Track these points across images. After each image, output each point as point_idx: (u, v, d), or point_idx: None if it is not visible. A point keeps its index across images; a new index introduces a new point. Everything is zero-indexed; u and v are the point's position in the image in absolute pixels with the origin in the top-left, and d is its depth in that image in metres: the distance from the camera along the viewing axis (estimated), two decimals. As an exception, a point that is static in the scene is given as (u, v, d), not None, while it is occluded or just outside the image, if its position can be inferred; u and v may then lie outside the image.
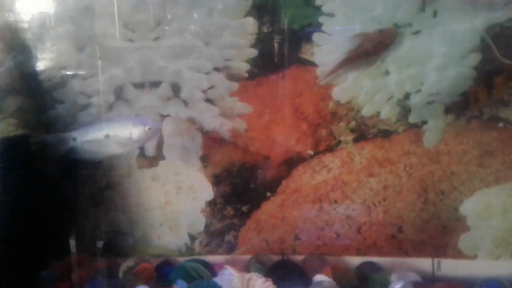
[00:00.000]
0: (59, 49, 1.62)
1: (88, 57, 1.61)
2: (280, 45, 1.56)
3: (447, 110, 1.53)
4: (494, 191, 1.55)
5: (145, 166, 1.69)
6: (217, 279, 1.48)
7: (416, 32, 1.50)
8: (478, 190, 1.56)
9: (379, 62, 1.52)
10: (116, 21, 1.58)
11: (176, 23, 1.58)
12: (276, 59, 1.57)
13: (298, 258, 1.66)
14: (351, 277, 1.49)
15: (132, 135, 1.46)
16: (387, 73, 1.54)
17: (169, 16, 1.58)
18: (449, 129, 1.54)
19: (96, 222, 1.68)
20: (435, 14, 1.48)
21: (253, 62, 1.58)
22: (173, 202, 1.71)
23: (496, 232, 1.57)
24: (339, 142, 1.61)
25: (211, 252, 1.71)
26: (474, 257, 1.59)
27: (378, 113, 1.57)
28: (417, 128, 1.56)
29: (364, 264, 1.58)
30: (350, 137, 1.60)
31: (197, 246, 1.71)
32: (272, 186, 1.66)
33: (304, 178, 1.64)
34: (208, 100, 1.63)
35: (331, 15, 1.52)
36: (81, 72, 1.63)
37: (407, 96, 1.54)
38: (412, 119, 1.55)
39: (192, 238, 1.71)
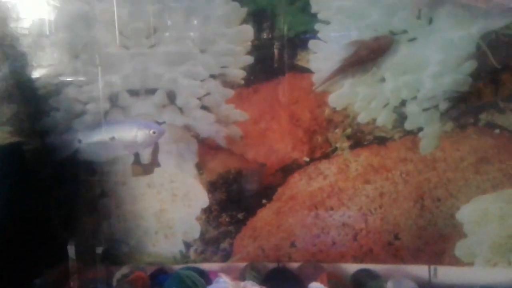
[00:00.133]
0: (55, 56, 1.62)
1: (83, 64, 1.61)
2: (276, 52, 1.56)
3: (443, 116, 1.53)
4: (491, 198, 1.55)
5: (141, 174, 1.69)
6: (212, 287, 1.47)
7: (412, 39, 1.50)
8: (474, 197, 1.55)
9: (375, 69, 1.53)
10: (112, 28, 1.58)
11: (172, 30, 1.58)
12: (272, 66, 1.57)
13: (294, 265, 1.65)
14: (347, 284, 1.49)
15: (136, 138, 1.48)
16: (383, 80, 1.54)
17: (165, 23, 1.58)
18: (446, 136, 1.55)
19: (91, 229, 1.67)
20: (430, 21, 1.48)
21: (249, 69, 1.58)
22: (168, 210, 1.70)
23: (493, 239, 1.56)
24: (335, 149, 1.60)
25: (206, 260, 1.69)
26: (471, 264, 1.59)
27: (374, 120, 1.56)
28: (413, 135, 1.56)
29: (360, 271, 1.57)
30: (346, 144, 1.59)
31: (192, 253, 1.70)
32: (268, 193, 1.65)
33: (300, 185, 1.63)
34: (204, 107, 1.62)
35: (326, 22, 1.52)
36: (76, 79, 1.63)
37: (403, 103, 1.54)
38: (408, 126, 1.55)
39: (188, 245, 1.70)
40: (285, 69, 1.57)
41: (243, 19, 1.55)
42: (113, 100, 1.63)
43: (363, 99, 1.56)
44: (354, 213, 1.62)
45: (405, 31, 1.49)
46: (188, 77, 1.60)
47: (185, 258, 1.70)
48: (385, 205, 1.60)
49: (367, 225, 1.62)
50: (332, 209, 1.63)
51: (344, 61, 1.52)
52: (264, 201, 1.65)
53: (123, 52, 1.60)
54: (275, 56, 1.56)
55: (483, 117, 1.52)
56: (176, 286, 1.48)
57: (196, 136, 1.64)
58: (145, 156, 1.67)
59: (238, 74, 1.59)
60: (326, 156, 1.61)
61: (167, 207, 1.70)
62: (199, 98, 1.62)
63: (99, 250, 1.65)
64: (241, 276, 1.56)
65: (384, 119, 1.56)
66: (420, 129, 1.55)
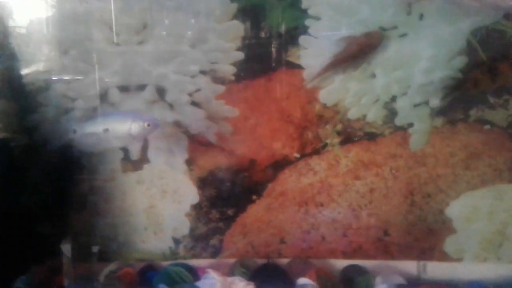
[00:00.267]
0: (43, 53, 1.61)
1: (72, 60, 1.59)
2: (266, 48, 1.55)
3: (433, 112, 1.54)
4: (481, 194, 1.55)
5: (130, 170, 1.68)
6: (200, 283, 1.46)
7: (403, 35, 1.49)
8: (464, 192, 1.56)
9: (366, 65, 1.52)
10: (102, 24, 1.57)
11: (162, 26, 1.57)
12: (262, 62, 1.56)
13: (284, 261, 1.65)
14: (336, 280, 1.48)
15: (131, 131, 1.46)
16: (373, 76, 1.53)
17: (155, 19, 1.57)
18: (436, 132, 1.54)
19: (80, 226, 1.66)
20: (421, 17, 1.48)
21: (239, 65, 1.57)
22: (157, 206, 1.68)
23: (482, 235, 1.57)
24: (326, 144, 1.60)
25: (195, 256, 1.68)
26: (460, 260, 1.59)
27: (365, 116, 1.56)
28: (403, 130, 1.55)
29: (349, 267, 1.57)
30: (336, 140, 1.59)
31: (181, 250, 1.69)
32: (258, 189, 1.64)
33: (290, 181, 1.63)
34: (194, 103, 1.61)
35: (317, 18, 1.52)
36: (65, 76, 1.62)
37: (393, 98, 1.54)
38: (399, 121, 1.55)
39: (177, 242, 1.69)
40: (276, 65, 1.56)
41: (234, 15, 1.54)
42: (103, 96, 1.62)
43: (354, 95, 1.55)
44: (344, 209, 1.61)
45: (395, 27, 1.49)
46: (178, 73, 1.59)
47: (174, 254, 1.69)
48: (375, 201, 1.60)
49: (357, 221, 1.61)
50: (322, 205, 1.62)
51: (334, 57, 1.51)
52: (254, 197, 1.65)
53: (113, 48, 1.59)
54: (265, 52, 1.55)
55: (473, 113, 1.52)
56: (165, 282, 1.47)
57: (186, 132, 1.63)
58: (135, 152, 1.67)
59: (228, 70, 1.58)
60: (316, 152, 1.60)
61: (157, 203, 1.68)
62: (189, 94, 1.61)
63: (95, 249, 1.65)
64: (230, 272, 1.55)
65: (374, 115, 1.55)
66: (411, 125, 1.55)
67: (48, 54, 1.60)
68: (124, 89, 1.61)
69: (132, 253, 1.70)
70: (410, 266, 1.60)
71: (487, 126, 1.52)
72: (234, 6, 1.53)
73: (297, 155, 1.61)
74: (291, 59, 1.55)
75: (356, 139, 1.58)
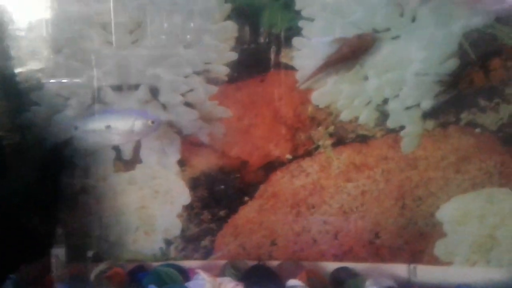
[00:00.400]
0: (36, 51, 1.61)
1: (66, 58, 1.59)
2: (260, 49, 1.56)
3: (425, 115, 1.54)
4: (471, 197, 1.55)
5: (122, 170, 1.68)
6: (190, 284, 1.46)
7: (395, 37, 1.50)
8: (455, 196, 1.56)
9: (358, 67, 1.52)
10: (95, 24, 1.57)
11: (156, 26, 1.57)
12: (256, 63, 1.57)
13: (275, 263, 1.64)
14: (326, 282, 1.48)
15: (134, 127, 1.47)
16: (366, 78, 1.53)
17: (149, 19, 1.57)
18: (427, 135, 1.54)
19: (70, 226, 1.65)
20: (413, 19, 1.48)
21: (233, 65, 1.57)
22: (149, 206, 1.68)
23: (472, 239, 1.57)
24: (318, 146, 1.60)
25: (187, 257, 1.68)
26: (450, 263, 1.59)
27: (357, 118, 1.56)
28: (395, 133, 1.55)
29: (339, 269, 1.57)
30: (328, 142, 1.59)
31: (172, 251, 1.69)
32: (250, 191, 1.64)
33: (282, 182, 1.62)
34: (187, 104, 1.61)
35: (310, 19, 1.52)
36: (59, 74, 1.61)
37: (385, 101, 1.54)
38: (390, 124, 1.55)
39: (168, 242, 1.69)
40: (269, 66, 1.56)
41: (227, 15, 1.54)
42: (96, 95, 1.61)
43: (346, 97, 1.55)
44: (336, 211, 1.61)
45: (388, 29, 1.49)
46: (172, 73, 1.59)
47: (165, 255, 1.69)
48: (367, 203, 1.60)
49: (348, 224, 1.61)
50: (313, 207, 1.62)
51: (327, 58, 1.51)
52: (246, 198, 1.65)
53: (107, 47, 1.59)
54: (259, 53, 1.56)
55: (465, 116, 1.52)
56: (155, 283, 1.47)
57: (179, 133, 1.63)
58: (127, 152, 1.66)
59: (222, 70, 1.58)
60: (308, 153, 1.60)
61: (148, 203, 1.68)
62: (183, 94, 1.61)
63: (90, 253, 1.65)
64: (221, 274, 1.55)
65: (366, 117, 1.55)
66: (402, 128, 1.55)
67: (42, 53, 1.60)
68: (117, 88, 1.61)
69: (123, 254, 1.70)
70: (400, 269, 1.60)
71: (478, 130, 1.53)
72: (228, 7, 1.53)
73: (289, 156, 1.61)
74: (284, 60, 1.56)
75: (348, 141, 1.58)
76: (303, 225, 1.63)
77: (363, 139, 1.57)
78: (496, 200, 1.54)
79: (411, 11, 1.47)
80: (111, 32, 1.57)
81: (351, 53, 1.50)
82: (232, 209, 1.66)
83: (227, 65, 1.57)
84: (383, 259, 1.61)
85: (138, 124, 1.47)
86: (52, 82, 1.61)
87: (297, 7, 1.51)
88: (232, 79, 1.58)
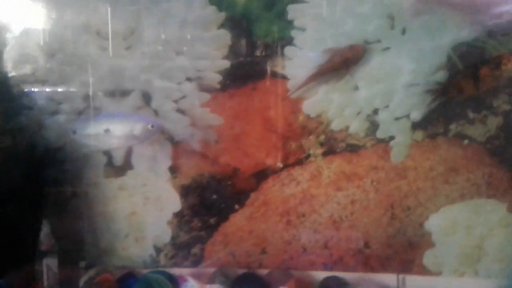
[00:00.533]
0: (30, 56, 1.61)
1: (59, 63, 1.60)
2: (252, 58, 1.57)
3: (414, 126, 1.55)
4: (459, 208, 1.56)
5: (113, 176, 1.67)
6: (178, 291, 1.46)
7: (386, 49, 1.52)
8: (443, 206, 1.57)
9: (349, 77, 1.54)
10: (89, 29, 1.58)
11: (149, 32, 1.58)
12: (248, 72, 1.58)
13: (264, 272, 1.63)
14: (315, 291, 1.48)
15: (133, 131, 1.47)
16: (356, 88, 1.55)
17: (143, 25, 1.58)
18: (416, 145, 1.56)
19: (60, 231, 1.64)
20: (404, 31, 1.50)
21: (225, 73, 1.58)
22: (139, 213, 1.68)
23: (460, 249, 1.57)
24: (309, 155, 1.60)
25: (176, 265, 1.68)
26: (439, 273, 1.60)
27: (347, 128, 1.57)
28: (384, 143, 1.57)
29: (328, 278, 1.56)
30: (319, 151, 1.60)
31: (162, 258, 1.68)
32: (241, 199, 1.64)
33: (273, 191, 1.63)
34: (179, 110, 1.62)
35: (302, 29, 1.54)
36: (51, 79, 1.62)
37: (375, 111, 1.55)
38: (380, 134, 1.56)
39: (158, 250, 1.68)
40: (261, 75, 1.58)
41: (221, 24, 1.56)
42: (88, 100, 1.62)
43: (337, 106, 1.56)
44: (326, 220, 1.62)
45: (379, 41, 1.51)
46: (164, 79, 1.60)
47: (155, 262, 1.69)
48: (356, 212, 1.60)
49: (338, 233, 1.62)
50: (304, 215, 1.62)
51: (318, 67, 1.52)
52: (236, 206, 1.65)
53: (100, 53, 1.59)
54: (251, 61, 1.57)
55: (453, 127, 1.53)
56: (143, 289, 1.47)
57: (170, 139, 1.64)
58: (118, 158, 1.66)
59: (214, 78, 1.59)
60: (299, 162, 1.61)
61: (139, 210, 1.68)
62: (175, 101, 1.61)
63: (82, 264, 1.64)
64: (210, 281, 1.55)
65: (357, 127, 1.57)
66: (392, 138, 1.56)
67: (35, 57, 1.61)
68: (110, 94, 1.62)
69: (112, 260, 1.69)
70: (389, 279, 1.59)
71: (466, 141, 1.54)
72: (222, 16, 1.55)
73: (280, 165, 1.62)
74: (276, 69, 1.57)
75: (338, 150, 1.59)
76: (293, 234, 1.64)
77: (353, 149, 1.58)
78: (484, 211, 1.55)
79: (401, 24, 1.50)
80: (104, 38, 1.58)
81: (342, 63, 1.52)
82: (223, 217, 1.65)
83: (220, 73, 1.58)
84: (372, 269, 1.61)
85: (137, 128, 1.47)
86: (44, 87, 1.61)
87: (290, 17, 1.53)
88: (225, 87, 1.59)
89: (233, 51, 1.57)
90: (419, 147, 1.55)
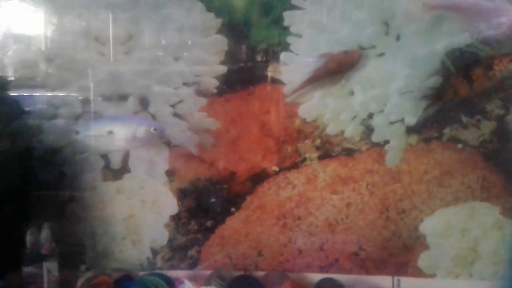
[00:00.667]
0: (28, 60, 1.63)
1: (57, 68, 1.61)
2: (249, 63, 1.59)
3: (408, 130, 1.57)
4: (454, 211, 1.58)
5: (110, 179, 1.69)
6: (175, 293, 1.46)
7: (380, 55, 1.54)
8: (438, 209, 1.58)
9: (344, 81, 1.56)
10: (87, 34, 1.60)
11: (147, 38, 1.60)
12: (244, 77, 1.60)
13: (261, 274, 1.64)
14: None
15: (137, 134, 1.49)
16: (352, 93, 1.57)
17: (140, 30, 1.59)
18: (411, 149, 1.58)
19: (58, 234, 1.65)
20: (398, 37, 1.53)
21: (222, 78, 1.60)
22: (137, 216, 1.69)
23: (455, 251, 1.59)
24: (304, 159, 1.62)
25: (173, 267, 1.68)
26: (433, 276, 1.61)
27: (343, 132, 1.59)
28: (379, 147, 1.59)
29: (323, 280, 1.57)
30: (315, 155, 1.61)
31: (159, 260, 1.69)
32: (237, 202, 1.66)
33: (269, 194, 1.64)
34: (177, 115, 1.64)
35: (298, 35, 1.56)
36: (49, 84, 1.63)
37: (370, 116, 1.57)
38: (375, 138, 1.58)
39: (155, 252, 1.69)
40: (257, 80, 1.60)
41: (218, 30, 1.58)
42: (86, 105, 1.63)
43: (333, 111, 1.58)
44: (321, 223, 1.63)
45: (373, 47, 1.54)
46: (162, 84, 1.62)
47: (152, 265, 1.69)
48: (352, 215, 1.62)
49: (334, 235, 1.63)
50: (299, 218, 1.64)
51: (313, 72, 1.55)
52: (233, 209, 1.66)
53: (98, 57, 1.61)
54: (248, 66, 1.59)
55: (447, 131, 1.56)
56: (140, 291, 1.47)
57: (168, 143, 1.65)
58: (116, 161, 1.67)
59: (211, 83, 1.61)
60: (295, 166, 1.63)
61: (136, 213, 1.69)
62: (172, 106, 1.63)
63: (83, 267, 1.65)
64: (207, 283, 1.55)
65: (352, 131, 1.59)
66: (387, 142, 1.58)
67: (34, 62, 1.62)
68: (108, 98, 1.63)
69: (109, 262, 1.69)
70: (385, 281, 1.61)
71: (460, 145, 1.56)
72: (219, 21, 1.57)
73: (276, 168, 1.64)
74: (272, 74, 1.59)
75: (334, 154, 1.60)
76: (289, 237, 1.65)
77: (349, 153, 1.60)
78: (478, 214, 1.57)
79: (396, 30, 1.52)
80: (103, 44, 1.60)
81: (338, 68, 1.54)
82: (219, 220, 1.67)
83: (217, 78, 1.60)
84: (368, 271, 1.63)
85: (141, 130, 1.49)
86: (43, 91, 1.63)
87: (286, 23, 1.56)
88: (221, 92, 1.61)
89: (230, 57, 1.59)
90: (414, 151, 1.57)
